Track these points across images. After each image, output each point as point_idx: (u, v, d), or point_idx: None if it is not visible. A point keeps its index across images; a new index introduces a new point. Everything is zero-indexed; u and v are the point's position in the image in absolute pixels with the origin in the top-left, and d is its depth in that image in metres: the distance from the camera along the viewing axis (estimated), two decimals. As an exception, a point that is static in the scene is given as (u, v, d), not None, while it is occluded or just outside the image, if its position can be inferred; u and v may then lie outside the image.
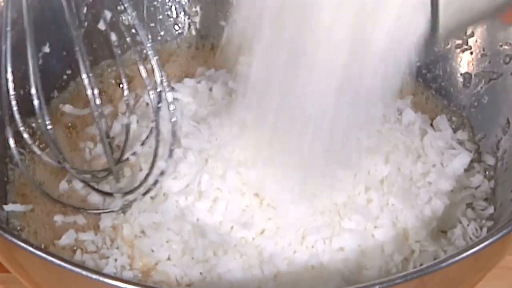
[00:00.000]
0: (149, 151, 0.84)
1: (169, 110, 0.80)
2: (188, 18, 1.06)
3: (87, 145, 0.91)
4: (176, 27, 1.06)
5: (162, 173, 0.81)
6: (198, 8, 1.06)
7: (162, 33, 1.05)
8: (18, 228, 0.82)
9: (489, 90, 0.92)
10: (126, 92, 0.91)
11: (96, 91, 0.79)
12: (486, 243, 0.65)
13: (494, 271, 0.74)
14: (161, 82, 0.80)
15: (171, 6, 1.05)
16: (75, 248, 0.80)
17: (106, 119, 0.87)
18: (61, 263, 0.63)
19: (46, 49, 0.94)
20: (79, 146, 0.91)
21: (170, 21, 1.06)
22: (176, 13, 1.06)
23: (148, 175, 0.81)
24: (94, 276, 0.62)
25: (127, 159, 0.86)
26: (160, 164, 0.81)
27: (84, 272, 0.63)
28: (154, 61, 0.79)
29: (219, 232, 0.78)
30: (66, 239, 0.81)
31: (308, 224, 0.77)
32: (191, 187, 0.81)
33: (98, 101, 0.80)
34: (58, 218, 0.83)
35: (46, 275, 0.70)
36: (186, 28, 1.06)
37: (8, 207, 0.83)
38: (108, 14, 0.92)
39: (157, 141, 0.81)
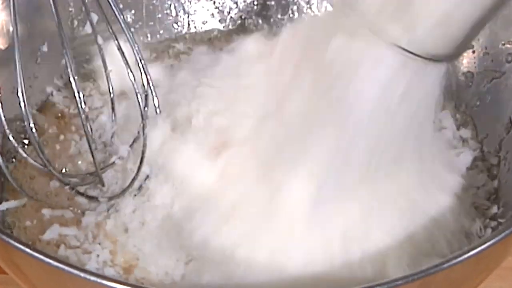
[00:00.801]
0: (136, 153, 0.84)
1: (156, 113, 0.81)
2: (188, 17, 1.05)
3: (74, 138, 0.91)
4: (175, 25, 1.05)
5: (147, 178, 0.81)
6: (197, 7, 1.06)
7: (161, 31, 1.05)
8: (10, 224, 0.82)
9: (492, 89, 0.91)
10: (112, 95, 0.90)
11: (81, 95, 0.79)
12: (489, 244, 0.65)
13: (497, 272, 0.73)
14: (148, 85, 0.80)
15: (170, 5, 1.05)
16: (58, 243, 0.81)
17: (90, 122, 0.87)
18: (59, 265, 0.63)
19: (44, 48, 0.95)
20: (66, 137, 0.92)
21: (170, 19, 1.05)
22: (176, 12, 1.05)
23: (133, 179, 0.81)
24: (93, 278, 0.62)
25: (114, 163, 0.86)
26: (145, 169, 0.81)
27: (82, 274, 0.62)
28: (141, 65, 0.80)
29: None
30: (50, 234, 0.81)
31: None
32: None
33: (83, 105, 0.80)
34: (46, 212, 0.83)
35: (43, 277, 0.69)
36: (185, 27, 1.06)
37: (2, 206, 0.83)
38: (94, 17, 0.92)
39: (144, 145, 0.81)
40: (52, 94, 0.96)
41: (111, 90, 0.89)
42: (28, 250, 0.64)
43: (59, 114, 0.94)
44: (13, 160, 0.87)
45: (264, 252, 0.74)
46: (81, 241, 0.80)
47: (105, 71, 0.89)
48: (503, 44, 0.91)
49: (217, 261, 0.75)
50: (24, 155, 0.82)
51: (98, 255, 0.78)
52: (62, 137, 0.92)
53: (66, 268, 0.62)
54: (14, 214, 0.83)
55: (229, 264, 0.75)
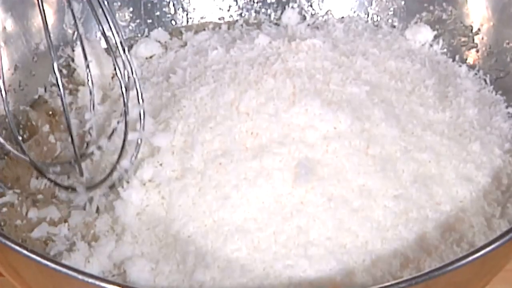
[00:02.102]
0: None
1: (139, 103, 0.79)
2: (187, 15, 1.04)
3: (62, 137, 0.90)
4: (173, 22, 1.05)
5: (126, 171, 0.80)
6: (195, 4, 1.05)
7: (159, 29, 1.04)
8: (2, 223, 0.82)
9: (496, 88, 0.91)
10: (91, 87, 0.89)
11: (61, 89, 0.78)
12: (493, 247, 0.64)
13: (501, 274, 0.73)
14: (133, 75, 0.79)
15: (169, 2, 1.04)
16: (47, 241, 0.80)
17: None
18: (57, 266, 0.62)
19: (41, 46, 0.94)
20: (55, 136, 0.91)
21: (168, 17, 1.04)
22: (174, 10, 1.04)
23: (112, 170, 0.80)
24: (90, 280, 0.62)
25: (92, 153, 0.85)
26: (124, 163, 0.80)
27: (80, 277, 0.62)
28: (125, 56, 0.78)
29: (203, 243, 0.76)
30: (38, 232, 0.80)
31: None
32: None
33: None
34: (33, 214, 0.82)
35: (40, 279, 0.69)
36: (184, 25, 1.05)
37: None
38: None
39: (125, 134, 0.79)
40: (45, 91, 0.95)
41: (90, 81, 0.88)
42: (25, 252, 0.64)
43: (51, 112, 0.94)
44: (5, 157, 0.87)
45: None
46: (69, 239, 0.79)
47: (85, 61, 0.88)
48: (508, 43, 0.91)
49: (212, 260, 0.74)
50: (1, 140, 0.82)
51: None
52: (51, 137, 0.91)
53: (64, 270, 0.62)
54: (4, 212, 0.82)
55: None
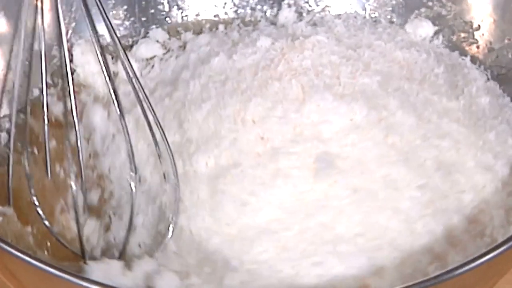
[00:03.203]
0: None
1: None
2: (182, 12, 1.03)
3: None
4: (168, 20, 1.03)
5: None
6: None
7: (153, 27, 1.02)
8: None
9: (499, 83, 0.90)
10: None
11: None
12: (499, 251, 0.63)
13: (506, 276, 0.73)
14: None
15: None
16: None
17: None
18: (56, 271, 0.61)
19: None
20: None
21: (162, 14, 1.02)
22: (169, 7, 1.03)
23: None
24: (87, 285, 0.61)
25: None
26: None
27: (80, 281, 0.61)
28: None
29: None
30: None
31: None
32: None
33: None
34: None
35: (38, 283, 0.68)
36: (179, 22, 1.03)
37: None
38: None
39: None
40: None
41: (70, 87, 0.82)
42: (22, 255, 0.63)
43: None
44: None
45: None
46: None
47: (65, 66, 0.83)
48: (509, 39, 0.90)
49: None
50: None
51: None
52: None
53: (62, 274, 0.61)
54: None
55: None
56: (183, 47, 0.99)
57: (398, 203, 0.74)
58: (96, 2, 0.74)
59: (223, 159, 0.78)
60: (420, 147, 0.77)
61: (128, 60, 0.76)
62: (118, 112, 0.76)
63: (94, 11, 0.75)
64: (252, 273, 0.72)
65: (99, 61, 0.76)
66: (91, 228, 0.80)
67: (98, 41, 0.75)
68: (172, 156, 0.78)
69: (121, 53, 0.76)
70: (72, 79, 0.76)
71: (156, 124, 0.78)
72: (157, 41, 1.00)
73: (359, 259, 0.71)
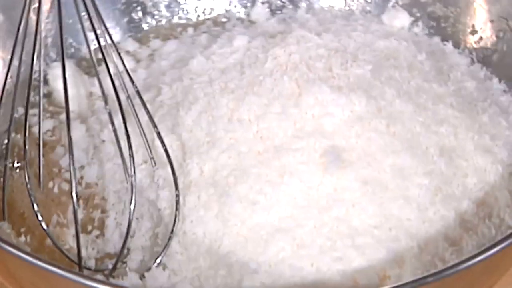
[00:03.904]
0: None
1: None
2: (154, 18, 1.02)
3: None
4: (142, 27, 1.01)
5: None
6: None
7: (126, 36, 1.00)
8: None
9: (485, 65, 0.91)
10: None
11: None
12: (498, 248, 0.62)
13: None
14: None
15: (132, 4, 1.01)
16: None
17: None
18: (54, 268, 0.60)
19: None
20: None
21: (136, 22, 1.01)
22: (142, 14, 1.01)
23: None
24: (89, 283, 0.60)
25: None
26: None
27: (77, 278, 0.60)
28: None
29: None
30: None
31: None
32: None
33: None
34: None
35: (35, 280, 0.67)
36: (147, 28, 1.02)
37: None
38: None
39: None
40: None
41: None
42: (19, 253, 0.62)
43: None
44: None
45: None
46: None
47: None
48: (492, 21, 0.90)
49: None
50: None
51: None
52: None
53: (60, 272, 0.60)
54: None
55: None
56: (152, 55, 0.97)
57: (408, 192, 0.73)
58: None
59: (222, 160, 0.76)
60: (421, 135, 0.77)
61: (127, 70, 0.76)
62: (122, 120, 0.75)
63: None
64: (272, 273, 0.70)
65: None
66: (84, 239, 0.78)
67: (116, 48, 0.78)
68: (171, 162, 0.76)
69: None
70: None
71: (154, 129, 0.77)
72: (128, 52, 0.98)
73: (378, 251, 0.70)
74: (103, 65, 0.80)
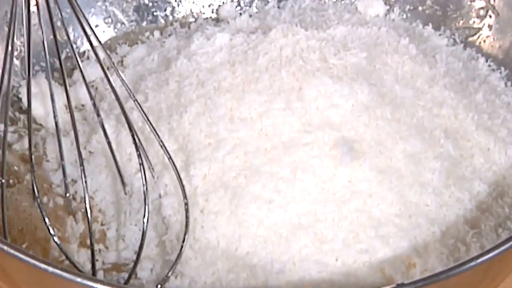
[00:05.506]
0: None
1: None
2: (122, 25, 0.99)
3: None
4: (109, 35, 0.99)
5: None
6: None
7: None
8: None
9: (469, 46, 0.91)
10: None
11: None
12: (499, 251, 0.62)
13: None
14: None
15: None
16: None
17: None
18: (50, 268, 0.59)
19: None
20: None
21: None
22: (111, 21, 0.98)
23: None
24: (89, 283, 0.59)
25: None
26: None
27: (75, 278, 0.59)
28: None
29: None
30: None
31: None
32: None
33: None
34: None
35: (31, 281, 0.66)
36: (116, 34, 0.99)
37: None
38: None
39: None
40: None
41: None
42: (15, 252, 0.61)
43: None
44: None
45: None
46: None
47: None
48: (471, 2, 0.91)
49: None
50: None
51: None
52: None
53: (57, 271, 0.59)
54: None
55: None
56: (121, 62, 0.93)
57: (422, 177, 0.73)
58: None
59: (229, 161, 0.74)
60: (424, 118, 0.77)
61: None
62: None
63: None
64: (297, 271, 0.68)
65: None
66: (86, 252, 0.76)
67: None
68: (176, 168, 0.74)
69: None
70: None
71: (155, 136, 0.75)
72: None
73: (402, 240, 0.69)
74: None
